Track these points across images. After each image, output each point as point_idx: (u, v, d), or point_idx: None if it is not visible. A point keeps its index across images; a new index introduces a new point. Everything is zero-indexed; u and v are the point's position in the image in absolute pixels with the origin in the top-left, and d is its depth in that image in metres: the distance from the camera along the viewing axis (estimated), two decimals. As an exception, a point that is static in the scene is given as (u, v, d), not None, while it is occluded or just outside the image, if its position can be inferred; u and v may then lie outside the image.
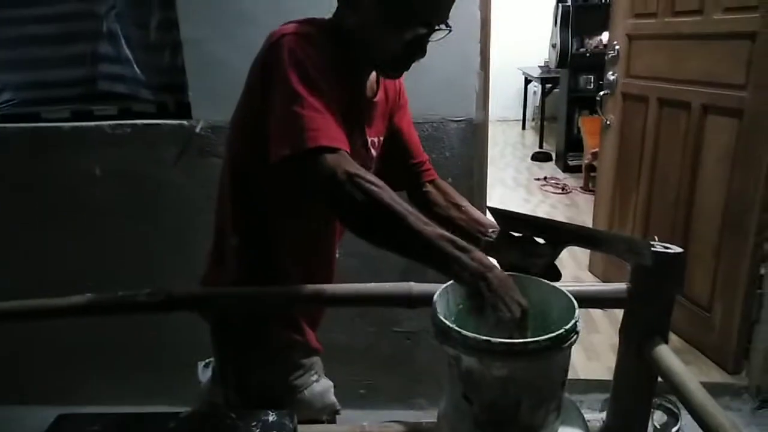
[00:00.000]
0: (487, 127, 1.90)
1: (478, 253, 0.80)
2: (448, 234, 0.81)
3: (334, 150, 0.82)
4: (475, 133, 1.83)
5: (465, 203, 1.18)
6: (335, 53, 0.95)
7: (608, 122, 2.81)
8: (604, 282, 2.93)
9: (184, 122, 1.86)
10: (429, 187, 1.21)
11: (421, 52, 0.95)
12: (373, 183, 0.80)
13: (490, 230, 1.09)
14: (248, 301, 1.01)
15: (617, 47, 2.68)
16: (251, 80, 0.95)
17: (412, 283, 0.98)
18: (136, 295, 1.01)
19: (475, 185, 1.86)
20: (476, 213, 1.16)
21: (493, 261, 0.85)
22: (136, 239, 2.00)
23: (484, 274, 0.78)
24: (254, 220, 1.03)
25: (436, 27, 0.93)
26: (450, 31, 0.95)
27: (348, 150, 0.84)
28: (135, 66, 1.85)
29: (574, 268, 3.13)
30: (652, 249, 0.87)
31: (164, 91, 1.91)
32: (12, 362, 2.14)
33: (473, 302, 0.80)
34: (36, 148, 1.94)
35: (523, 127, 7.61)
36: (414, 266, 2.09)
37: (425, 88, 1.77)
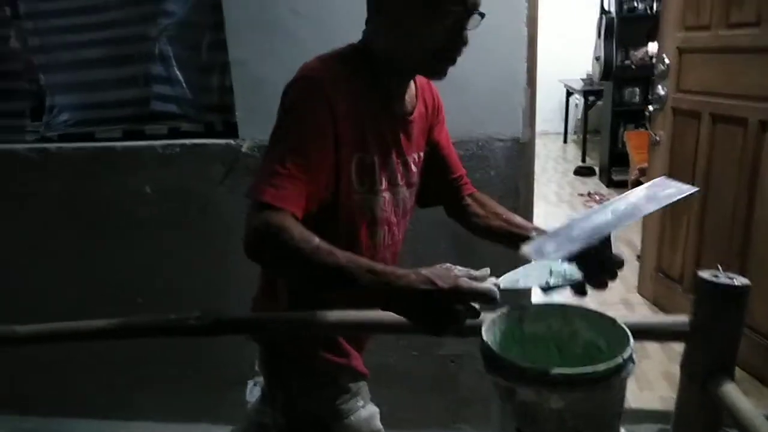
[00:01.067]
0: (534, 145, 1.86)
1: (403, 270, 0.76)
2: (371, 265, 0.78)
3: (275, 208, 0.82)
4: (522, 152, 1.80)
5: (503, 211, 1.17)
6: (364, 79, 0.95)
7: (657, 138, 2.73)
8: (653, 304, 2.84)
9: (231, 141, 1.90)
10: (468, 200, 1.20)
11: (462, 39, 0.93)
12: (293, 238, 0.78)
13: (533, 232, 1.06)
14: (296, 327, 1.01)
15: (667, 61, 2.60)
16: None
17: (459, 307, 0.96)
18: (187, 318, 1.02)
19: (521, 205, 1.82)
20: (516, 218, 1.15)
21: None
22: (184, 256, 2.04)
23: (427, 279, 0.73)
24: None
25: (473, 12, 0.92)
26: (483, 17, 0.94)
27: (299, 213, 0.84)
28: (185, 87, 1.89)
29: (623, 290, 3.03)
30: (718, 281, 0.84)
31: (212, 111, 1.95)
32: (59, 375, 2.20)
33: (428, 320, 0.75)
34: (90, 167, 2.01)
35: (565, 141, 7.48)
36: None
37: (471, 106, 1.76)
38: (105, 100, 2.00)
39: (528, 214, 1.91)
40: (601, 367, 0.71)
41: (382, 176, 1.00)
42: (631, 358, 0.75)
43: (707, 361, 0.88)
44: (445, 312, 0.74)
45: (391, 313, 0.98)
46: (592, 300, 2.97)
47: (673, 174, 2.66)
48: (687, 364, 0.92)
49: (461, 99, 1.74)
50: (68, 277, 2.12)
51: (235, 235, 2.07)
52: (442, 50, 0.93)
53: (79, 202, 2.05)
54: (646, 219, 2.95)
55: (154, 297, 2.05)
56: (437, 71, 0.97)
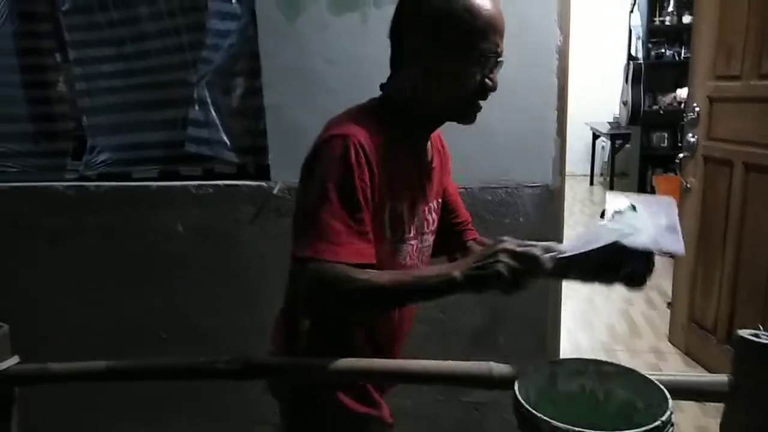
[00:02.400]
0: (564, 192, 1.86)
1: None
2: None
3: (340, 264, 0.87)
4: (551, 199, 1.80)
5: None
6: (392, 131, 0.97)
7: (688, 185, 2.70)
8: (686, 354, 2.75)
9: (263, 184, 1.94)
10: (470, 243, 1.22)
11: (493, 84, 0.97)
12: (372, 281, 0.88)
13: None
14: (327, 373, 1.01)
15: (697, 109, 2.60)
16: (302, 174, 0.98)
17: (491, 363, 0.95)
18: (216, 362, 1.03)
19: (550, 252, 1.81)
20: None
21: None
22: (212, 294, 2.06)
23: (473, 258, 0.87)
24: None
25: (500, 56, 0.97)
26: (501, 65, 0.98)
27: (370, 260, 0.91)
28: (221, 130, 1.95)
29: (653, 338, 2.95)
30: (759, 341, 0.82)
31: (246, 153, 2.00)
32: (81, 409, 2.21)
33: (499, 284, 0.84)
34: (125, 205, 2.06)
35: (591, 183, 7.42)
36: (484, 330, 2.02)
37: (501, 153, 1.78)
38: (143, 141, 2.07)
39: (557, 261, 1.90)
40: (638, 429, 0.69)
41: (410, 225, 1.03)
42: (669, 421, 0.73)
43: (750, 423, 0.85)
44: (504, 272, 0.83)
45: (419, 362, 0.99)
46: (623, 347, 2.92)
47: (705, 224, 2.61)
48: (727, 425, 0.89)
49: (491, 146, 1.77)
50: (99, 310, 2.15)
51: (262, 275, 2.11)
52: (476, 95, 0.97)
53: (113, 238, 2.10)
54: (678, 265, 2.89)
55: (181, 333, 2.07)
56: (470, 116, 1.01)
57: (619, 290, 3.91)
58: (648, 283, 0.94)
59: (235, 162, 1.99)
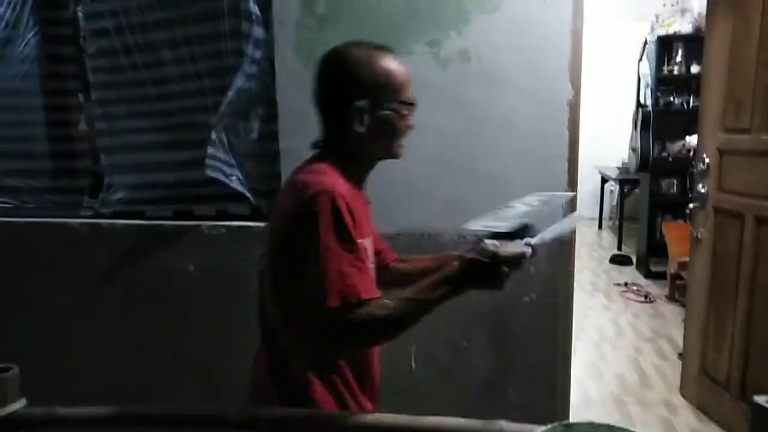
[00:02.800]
0: (574, 243, 1.86)
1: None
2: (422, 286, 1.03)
3: (367, 301, 1.00)
4: (561, 250, 1.80)
5: (427, 255, 1.38)
6: (350, 177, 1.12)
7: (699, 236, 2.69)
8: (698, 409, 2.69)
9: (276, 226, 1.95)
10: (392, 264, 1.36)
11: (411, 123, 1.17)
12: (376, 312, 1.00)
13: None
14: (337, 427, 1.01)
15: (707, 161, 2.61)
16: (288, 231, 1.08)
17: (502, 422, 0.94)
18: (226, 412, 1.03)
19: (560, 303, 1.81)
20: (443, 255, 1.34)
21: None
22: (220, 332, 2.06)
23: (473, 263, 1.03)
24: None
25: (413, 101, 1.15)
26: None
27: (377, 292, 1.04)
28: (237, 171, 1.98)
29: (665, 390, 2.89)
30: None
31: (261, 195, 2.03)
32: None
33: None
34: (138, 243, 2.09)
35: (600, 227, 7.41)
36: (492, 380, 2.00)
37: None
38: (159, 181, 2.11)
39: (567, 311, 1.89)
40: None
41: (370, 258, 1.15)
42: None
43: (767, 497, 0.83)
44: (496, 274, 1.02)
45: (426, 419, 0.98)
46: (633, 399, 2.86)
47: (716, 275, 2.59)
48: (744, 497, 0.87)
49: (503, 197, 1.77)
50: (108, 346, 2.16)
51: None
52: (403, 134, 1.17)
53: (125, 275, 2.12)
54: (689, 316, 2.85)
55: (186, 369, 2.06)
56: (400, 153, 1.19)
57: (628, 338, 3.82)
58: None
59: (249, 203, 2.01)
